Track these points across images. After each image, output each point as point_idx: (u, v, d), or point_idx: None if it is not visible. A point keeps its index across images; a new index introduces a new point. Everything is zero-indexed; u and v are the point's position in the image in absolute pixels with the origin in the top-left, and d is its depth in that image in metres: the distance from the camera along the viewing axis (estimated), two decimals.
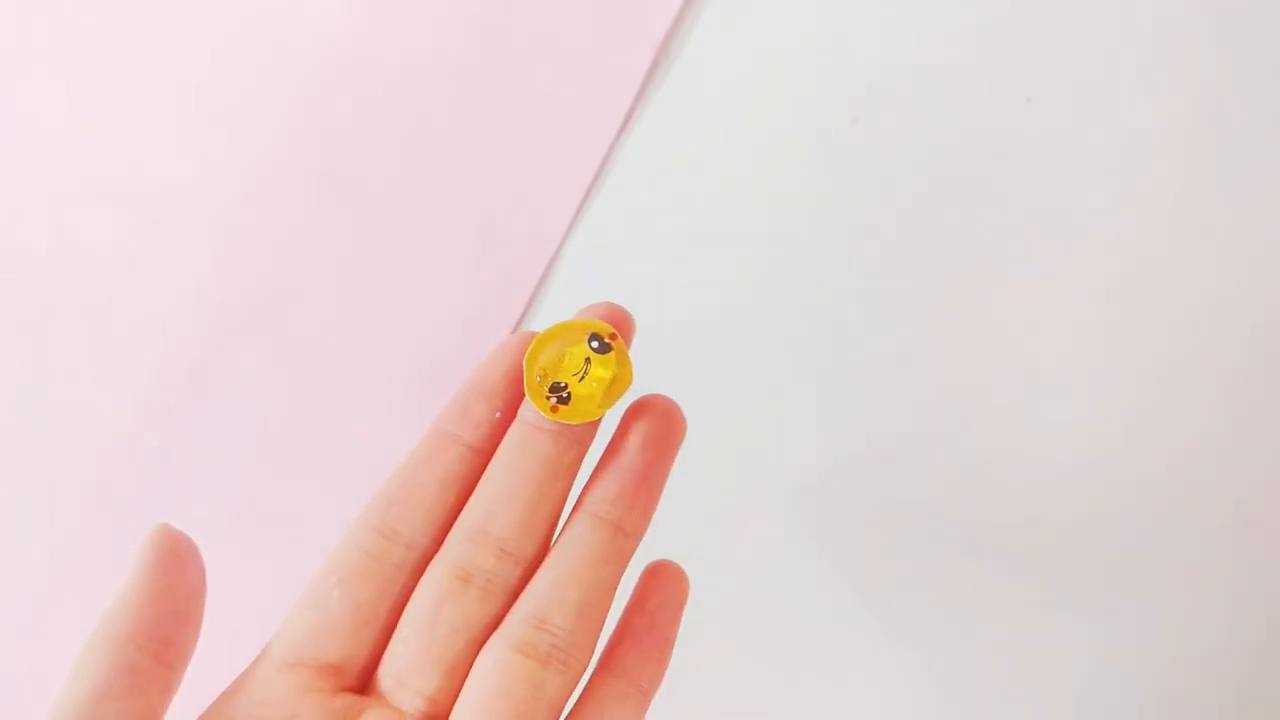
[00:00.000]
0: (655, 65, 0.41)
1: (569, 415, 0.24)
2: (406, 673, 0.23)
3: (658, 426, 0.24)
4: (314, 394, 0.39)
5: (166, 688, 0.22)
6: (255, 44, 0.42)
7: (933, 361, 0.38)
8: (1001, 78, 0.40)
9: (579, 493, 0.25)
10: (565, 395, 0.24)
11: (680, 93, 0.41)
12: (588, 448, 0.25)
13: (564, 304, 0.40)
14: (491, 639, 0.23)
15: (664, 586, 0.24)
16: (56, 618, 0.38)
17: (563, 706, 0.23)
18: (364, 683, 0.23)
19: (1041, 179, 0.39)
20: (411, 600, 0.23)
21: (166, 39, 0.43)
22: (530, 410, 0.24)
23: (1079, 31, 0.40)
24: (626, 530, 0.24)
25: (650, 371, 0.28)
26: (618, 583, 0.24)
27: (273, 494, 0.38)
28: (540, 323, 0.40)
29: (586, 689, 0.23)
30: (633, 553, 0.24)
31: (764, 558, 0.37)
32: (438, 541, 0.24)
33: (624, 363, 0.25)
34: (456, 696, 0.22)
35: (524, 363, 0.24)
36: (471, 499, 0.24)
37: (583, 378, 0.24)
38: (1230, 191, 0.39)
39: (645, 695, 0.23)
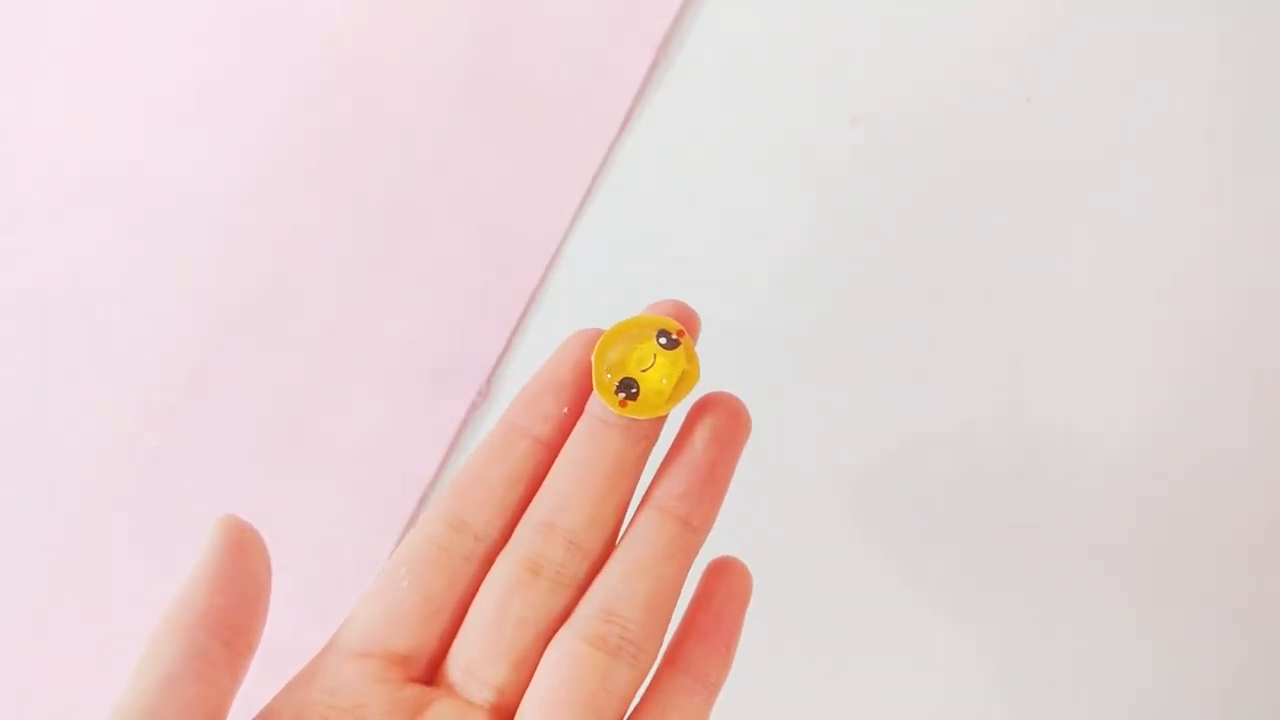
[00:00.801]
0: (655, 65, 0.41)
1: (638, 410, 0.24)
2: (475, 663, 0.23)
3: (724, 423, 0.24)
4: (314, 394, 0.39)
5: (235, 675, 0.22)
6: (255, 44, 0.42)
7: (930, 362, 0.38)
8: (1001, 78, 0.40)
9: (644, 488, 0.25)
10: (634, 391, 0.24)
11: (680, 93, 0.41)
12: (654, 443, 0.25)
13: (564, 304, 0.40)
14: (561, 631, 0.23)
15: (729, 583, 0.25)
16: (56, 618, 0.38)
17: (631, 700, 0.23)
18: (432, 673, 0.23)
19: (1042, 179, 0.39)
20: (480, 591, 0.23)
21: (166, 39, 0.43)
22: (598, 405, 0.24)
23: (1079, 31, 0.40)
24: (694, 526, 0.24)
25: None
26: (685, 578, 0.24)
27: (273, 494, 0.38)
28: (540, 322, 0.40)
29: (652, 684, 0.23)
30: (699, 548, 0.24)
31: (767, 558, 0.37)
32: (506, 534, 0.24)
33: (691, 359, 0.25)
34: (525, 688, 0.22)
35: (593, 358, 0.24)
36: (540, 492, 0.24)
37: (651, 374, 0.24)
38: (1232, 191, 0.39)
39: (712, 691, 0.24)
